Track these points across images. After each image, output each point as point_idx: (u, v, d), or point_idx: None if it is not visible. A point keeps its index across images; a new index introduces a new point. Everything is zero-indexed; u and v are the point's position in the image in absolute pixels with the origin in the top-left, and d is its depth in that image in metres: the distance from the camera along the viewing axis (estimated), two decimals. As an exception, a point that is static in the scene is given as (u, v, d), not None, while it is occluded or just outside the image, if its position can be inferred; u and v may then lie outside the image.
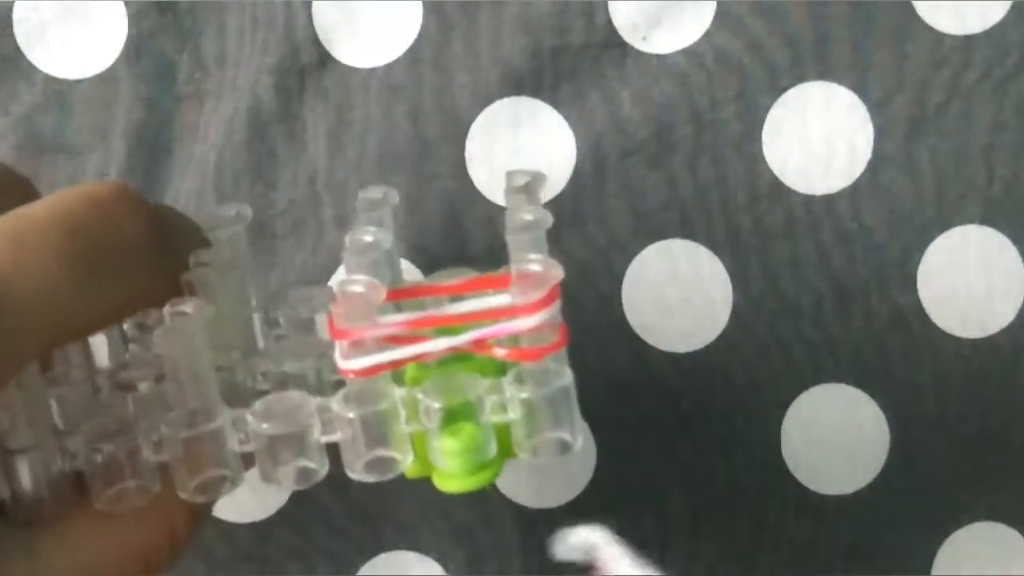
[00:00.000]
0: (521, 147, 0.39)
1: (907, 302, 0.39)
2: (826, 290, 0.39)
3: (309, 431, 0.25)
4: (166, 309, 0.25)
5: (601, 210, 0.39)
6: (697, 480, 0.39)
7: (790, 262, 0.39)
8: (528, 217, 0.27)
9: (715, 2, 0.39)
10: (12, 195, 0.24)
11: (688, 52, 0.39)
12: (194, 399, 0.25)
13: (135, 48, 0.39)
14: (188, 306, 0.25)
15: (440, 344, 0.24)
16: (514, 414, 0.25)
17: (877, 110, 0.39)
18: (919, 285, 0.39)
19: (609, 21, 0.39)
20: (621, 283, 0.39)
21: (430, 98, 0.39)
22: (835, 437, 0.40)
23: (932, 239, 0.39)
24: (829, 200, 0.39)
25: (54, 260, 0.22)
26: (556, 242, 0.39)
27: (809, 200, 0.39)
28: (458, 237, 0.39)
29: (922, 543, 0.40)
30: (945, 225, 0.39)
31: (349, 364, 0.24)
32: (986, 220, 0.39)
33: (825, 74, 0.39)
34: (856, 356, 0.39)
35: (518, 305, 0.24)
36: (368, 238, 0.26)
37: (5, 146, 0.40)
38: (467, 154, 0.39)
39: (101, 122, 0.40)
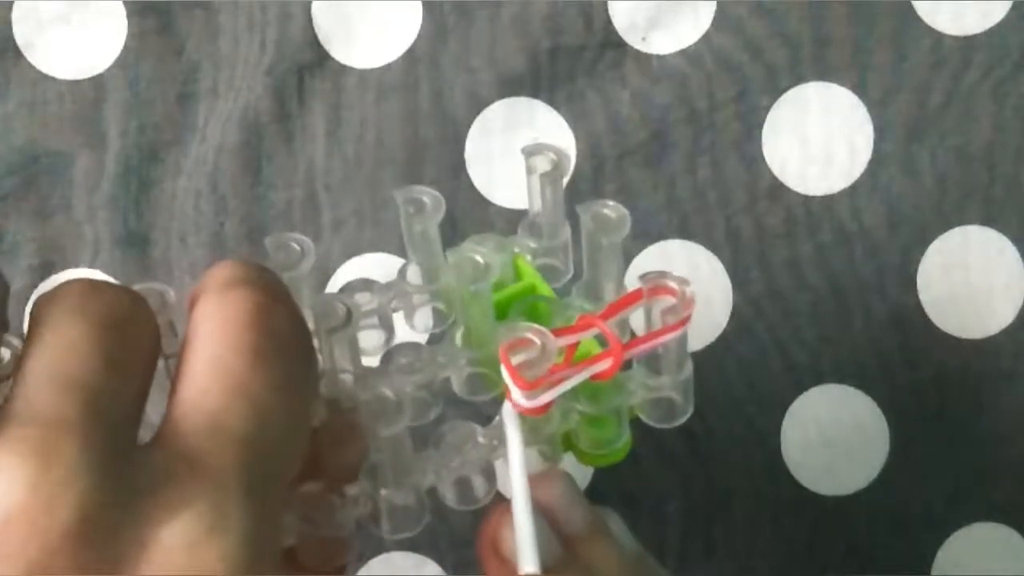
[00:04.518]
0: (520, 148, 0.39)
1: (907, 302, 0.39)
2: (826, 290, 0.39)
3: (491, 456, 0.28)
4: (363, 394, 0.27)
5: (600, 211, 0.39)
6: (696, 481, 0.39)
7: (790, 262, 0.39)
8: (611, 215, 0.28)
9: (714, 3, 0.39)
10: None
11: (687, 53, 0.39)
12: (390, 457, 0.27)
13: (134, 49, 0.39)
14: (392, 392, 0.27)
15: (603, 365, 0.26)
16: (647, 394, 0.29)
17: (877, 110, 0.39)
18: (919, 285, 0.39)
19: (608, 22, 0.39)
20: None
21: (428, 99, 0.39)
22: (835, 437, 0.40)
23: (932, 239, 0.39)
24: (829, 200, 0.39)
25: (275, 396, 0.22)
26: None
27: (809, 200, 0.39)
28: (458, 238, 0.39)
29: (922, 543, 0.40)
30: (945, 225, 0.39)
31: (532, 403, 0.26)
32: (986, 220, 0.39)
33: (825, 74, 0.39)
34: (856, 356, 0.39)
35: (669, 325, 0.27)
36: (479, 259, 0.28)
37: (4, 146, 0.40)
38: (466, 155, 0.39)
39: (100, 122, 0.40)
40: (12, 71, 0.40)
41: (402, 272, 0.29)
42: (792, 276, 0.39)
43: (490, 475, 0.28)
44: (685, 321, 0.27)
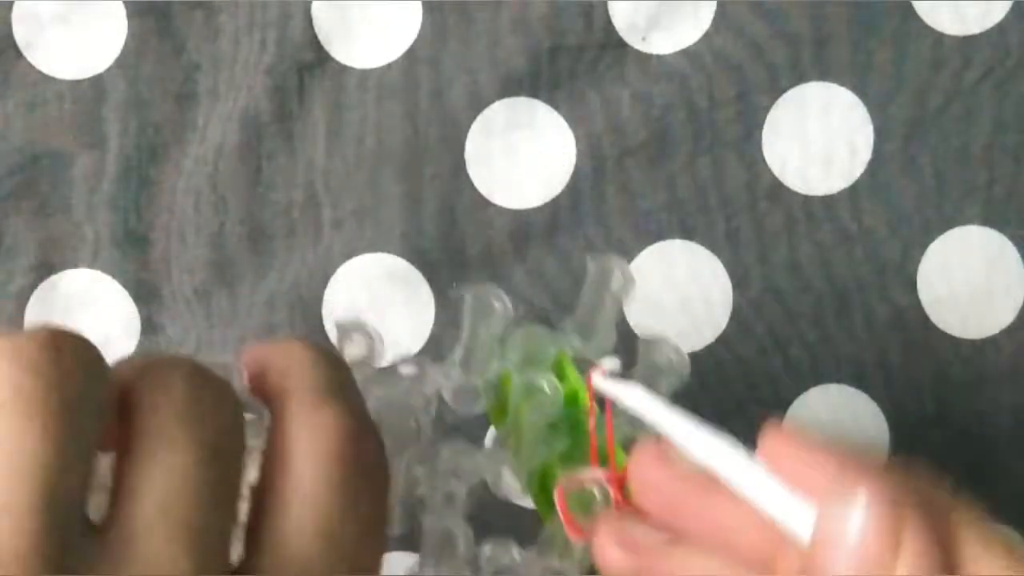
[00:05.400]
0: (520, 148, 0.39)
1: (907, 303, 0.39)
2: (826, 291, 0.39)
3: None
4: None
5: (600, 211, 0.39)
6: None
7: (790, 263, 0.39)
8: (673, 357, 0.30)
9: (715, 3, 0.39)
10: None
11: (687, 53, 0.39)
12: None
13: (134, 49, 0.39)
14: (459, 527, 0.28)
15: None
16: None
17: (877, 110, 0.39)
18: (919, 286, 0.39)
19: (608, 22, 0.39)
20: (620, 284, 0.39)
21: (428, 99, 0.39)
22: (835, 437, 0.40)
23: (932, 239, 0.39)
24: (829, 201, 0.39)
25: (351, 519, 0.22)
26: (555, 243, 0.39)
27: (809, 201, 0.39)
28: (457, 238, 0.39)
29: None
30: (945, 225, 0.39)
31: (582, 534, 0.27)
32: (986, 220, 0.39)
33: (825, 75, 0.39)
34: (856, 356, 0.39)
35: None
36: (546, 388, 0.28)
37: (4, 146, 0.40)
38: (466, 155, 0.39)
39: (100, 122, 0.40)
40: (12, 71, 0.40)
41: (452, 358, 0.30)
42: (792, 276, 0.39)
43: None
44: None
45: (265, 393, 0.24)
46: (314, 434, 0.22)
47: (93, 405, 0.20)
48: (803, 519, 0.22)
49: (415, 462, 0.29)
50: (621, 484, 0.27)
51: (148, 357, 0.22)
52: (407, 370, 0.30)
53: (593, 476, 0.26)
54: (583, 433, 0.28)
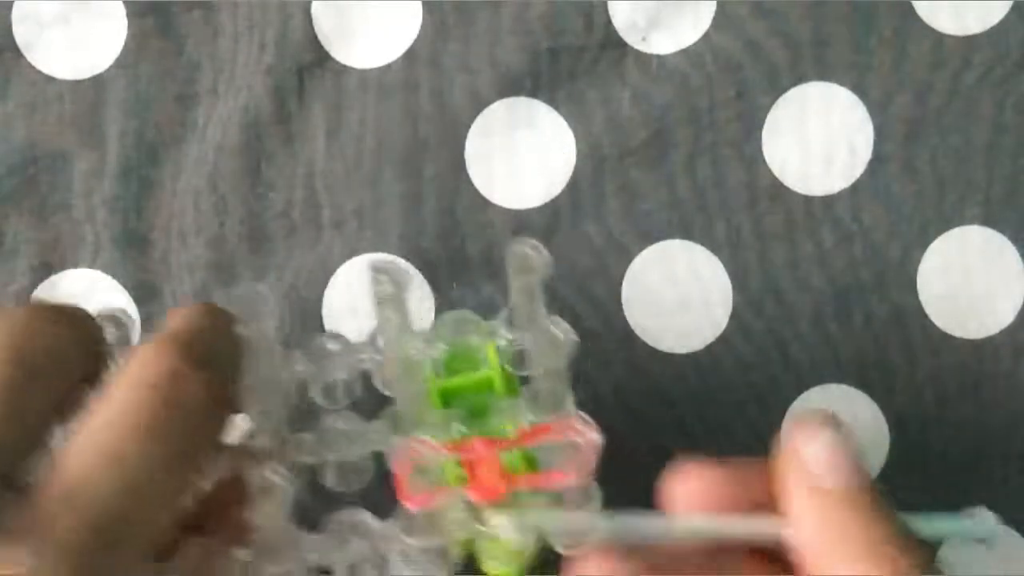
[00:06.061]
0: (520, 148, 0.39)
1: (907, 302, 0.39)
2: (826, 290, 0.39)
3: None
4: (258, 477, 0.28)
5: (600, 211, 0.39)
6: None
7: (790, 263, 0.39)
8: (559, 335, 0.31)
9: (715, 3, 0.39)
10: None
11: (687, 53, 0.39)
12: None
13: (134, 49, 0.39)
14: (277, 476, 0.28)
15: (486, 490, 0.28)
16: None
17: (877, 110, 0.39)
18: (919, 285, 0.39)
19: (608, 22, 0.39)
20: (620, 284, 0.39)
21: (428, 99, 0.39)
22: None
23: (932, 239, 0.39)
24: (829, 201, 0.39)
25: (148, 467, 0.23)
26: (555, 243, 0.39)
27: (809, 201, 0.39)
28: (457, 238, 0.39)
29: (923, 544, 0.40)
30: (945, 225, 0.39)
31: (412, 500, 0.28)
32: (986, 220, 0.39)
33: (825, 74, 0.39)
34: (856, 356, 0.39)
35: (565, 471, 0.29)
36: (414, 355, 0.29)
37: (4, 146, 0.40)
38: (466, 155, 0.39)
39: (100, 122, 0.40)
40: (12, 71, 0.40)
41: (373, 335, 0.30)
42: (792, 276, 0.39)
43: (380, 566, 0.29)
44: (585, 472, 0.29)
45: None
46: (138, 364, 0.23)
47: None
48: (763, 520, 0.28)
49: (288, 429, 0.29)
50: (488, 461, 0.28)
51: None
52: (332, 345, 0.30)
53: (431, 446, 0.27)
54: (492, 421, 0.29)
